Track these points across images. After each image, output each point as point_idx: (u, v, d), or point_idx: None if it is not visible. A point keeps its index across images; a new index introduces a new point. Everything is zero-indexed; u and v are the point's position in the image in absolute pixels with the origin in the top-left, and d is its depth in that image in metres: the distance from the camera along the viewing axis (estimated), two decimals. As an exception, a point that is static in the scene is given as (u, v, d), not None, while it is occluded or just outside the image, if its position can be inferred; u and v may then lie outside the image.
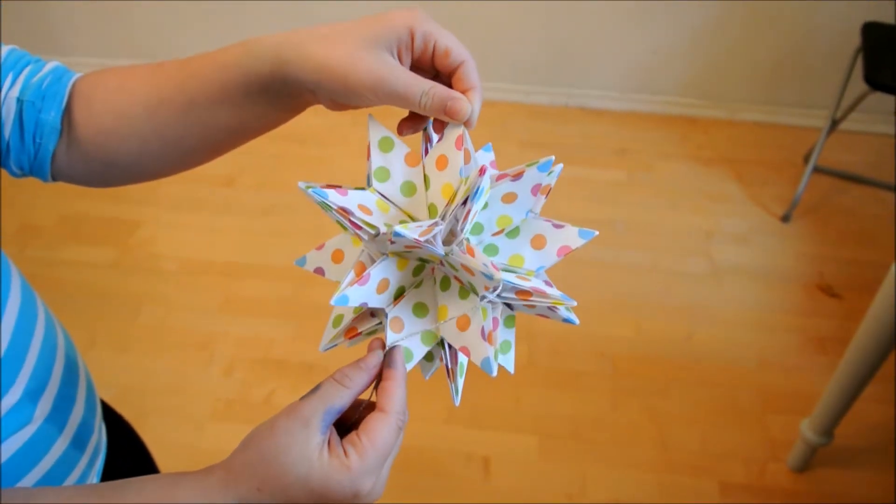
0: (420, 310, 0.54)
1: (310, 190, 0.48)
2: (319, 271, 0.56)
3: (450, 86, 0.53)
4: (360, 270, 0.50)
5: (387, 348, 0.53)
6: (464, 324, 0.52)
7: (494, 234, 0.54)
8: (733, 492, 1.71)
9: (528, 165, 0.53)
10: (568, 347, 2.00)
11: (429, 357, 0.57)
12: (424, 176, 0.53)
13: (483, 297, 0.50)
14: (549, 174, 0.54)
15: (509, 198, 0.53)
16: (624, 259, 2.27)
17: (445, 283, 0.54)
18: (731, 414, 1.87)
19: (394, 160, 0.53)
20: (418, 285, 0.54)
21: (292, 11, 2.73)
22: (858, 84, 2.18)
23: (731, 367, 1.97)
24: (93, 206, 2.42)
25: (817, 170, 2.48)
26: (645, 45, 2.72)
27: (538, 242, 0.55)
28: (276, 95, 0.53)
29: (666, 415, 1.86)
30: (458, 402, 0.54)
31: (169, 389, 1.89)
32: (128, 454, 0.87)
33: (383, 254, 0.51)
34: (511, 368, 0.56)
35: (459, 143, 0.51)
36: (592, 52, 2.77)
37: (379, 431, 0.49)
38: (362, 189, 0.52)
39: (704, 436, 1.82)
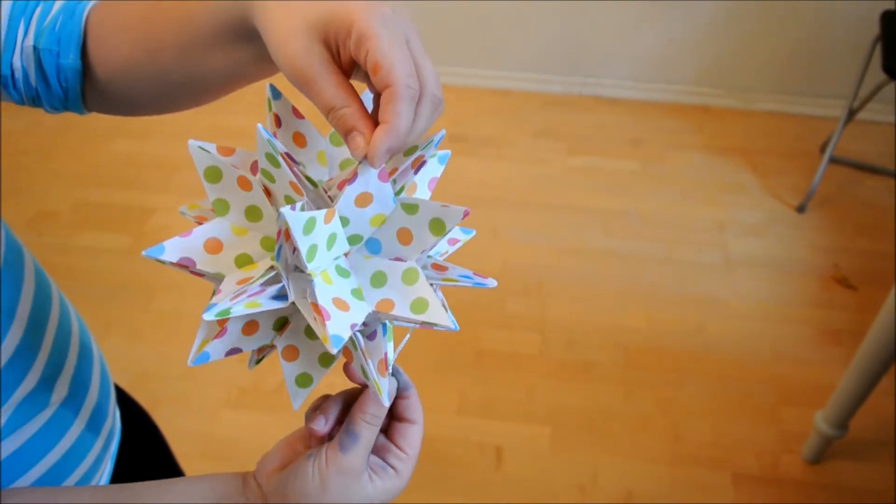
0: (311, 332, 0.50)
1: (144, 252, 0.44)
2: (187, 262, 0.46)
3: None
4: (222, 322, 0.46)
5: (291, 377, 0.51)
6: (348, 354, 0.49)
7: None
8: (746, 483, 1.71)
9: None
10: (580, 338, 2.00)
11: (304, 381, 0.52)
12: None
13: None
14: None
15: (364, 200, 0.45)
16: (637, 250, 2.26)
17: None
18: (745, 406, 1.86)
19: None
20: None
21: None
22: (876, 73, 2.16)
23: (744, 359, 1.96)
24: (107, 193, 2.43)
25: (833, 160, 2.46)
26: (660, 34, 2.70)
27: (404, 237, 0.46)
28: (256, 42, 0.48)
29: (679, 406, 1.85)
30: (387, 403, 0.49)
31: (183, 376, 1.90)
32: (142, 439, 0.87)
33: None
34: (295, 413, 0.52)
35: (384, 175, 0.46)
36: (607, 41, 2.75)
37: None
38: (219, 217, 0.47)
39: (717, 427, 1.81)
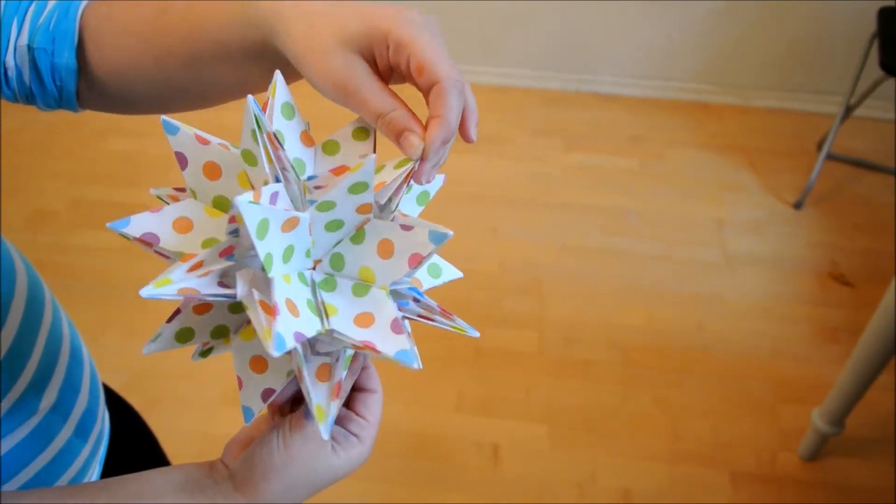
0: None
1: (108, 224, 0.43)
2: (150, 238, 0.44)
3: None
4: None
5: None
6: (366, 320, 0.45)
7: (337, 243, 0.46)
8: (744, 481, 1.71)
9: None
10: (579, 336, 2.00)
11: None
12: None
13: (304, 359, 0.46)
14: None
15: (326, 206, 0.44)
16: (635, 247, 2.26)
17: (329, 284, 0.47)
18: (743, 403, 1.86)
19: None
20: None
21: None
22: (873, 70, 2.16)
23: (742, 357, 1.96)
24: (104, 191, 2.42)
25: (830, 157, 2.46)
26: (658, 31, 2.70)
27: (385, 249, 0.45)
28: (271, 62, 0.50)
29: (677, 404, 1.85)
30: (326, 435, 0.47)
31: (179, 375, 1.90)
32: (133, 441, 0.87)
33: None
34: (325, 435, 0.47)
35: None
36: (606, 37, 2.75)
37: (376, 406, 0.53)
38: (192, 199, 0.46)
39: (715, 425, 1.81)
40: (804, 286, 2.16)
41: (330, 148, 0.49)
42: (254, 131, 0.42)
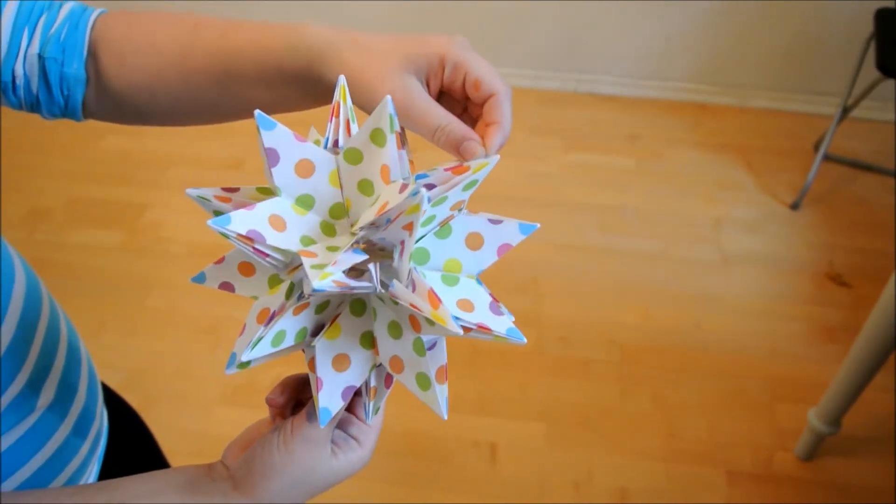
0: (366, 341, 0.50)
1: (209, 222, 0.41)
2: (227, 287, 0.48)
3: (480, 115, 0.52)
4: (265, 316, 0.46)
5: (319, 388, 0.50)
6: (398, 366, 0.48)
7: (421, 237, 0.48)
8: (740, 480, 1.71)
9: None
10: (576, 335, 2.00)
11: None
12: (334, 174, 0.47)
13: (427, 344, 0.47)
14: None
15: (439, 201, 0.46)
16: (632, 246, 2.26)
17: (363, 310, 0.49)
18: (739, 402, 1.86)
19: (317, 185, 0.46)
20: (353, 310, 0.49)
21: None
22: (870, 71, 2.16)
23: (739, 356, 1.96)
24: (101, 190, 2.42)
25: (827, 158, 2.46)
26: (656, 31, 2.70)
27: (474, 242, 0.48)
28: (307, 85, 0.54)
29: (674, 403, 1.86)
30: (370, 421, 0.52)
31: (177, 373, 1.90)
32: (131, 439, 0.87)
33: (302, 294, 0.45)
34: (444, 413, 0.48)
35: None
36: (603, 37, 2.75)
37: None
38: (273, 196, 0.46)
39: (712, 424, 1.81)
40: (801, 286, 2.16)
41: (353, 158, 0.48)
42: (378, 130, 0.43)
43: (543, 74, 2.86)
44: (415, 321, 0.45)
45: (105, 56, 0.57)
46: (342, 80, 0.48)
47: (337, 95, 0.47)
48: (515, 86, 2.84)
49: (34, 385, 0.62)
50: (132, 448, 0.87)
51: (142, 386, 1.86)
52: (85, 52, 0.57)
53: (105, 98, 0.59)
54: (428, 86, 0.52)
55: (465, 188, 0.45)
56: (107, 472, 0.77)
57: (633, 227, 2.33)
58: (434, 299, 0.43)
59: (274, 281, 0.49)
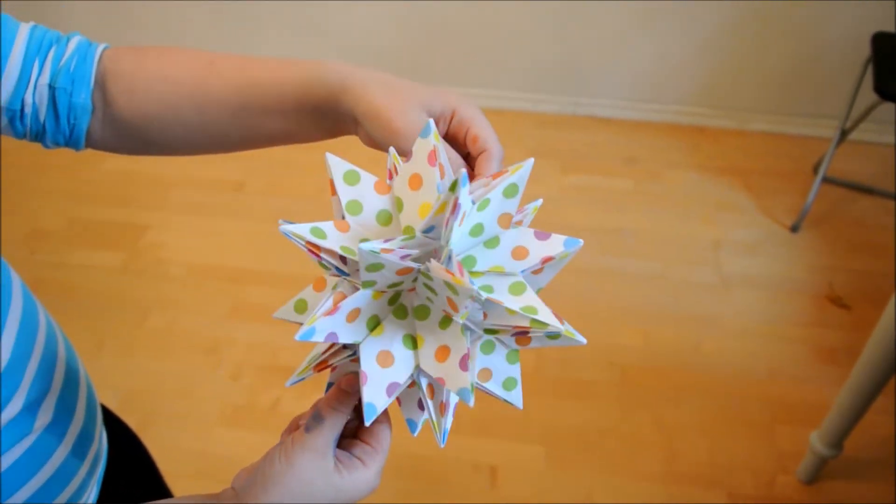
0: (409, 342, 0.52)
1: (297, 336, 0.46)
2: (332, 337, 0.50)
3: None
4: (339, 300, 0.48)
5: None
6: (443, 354, 0.50)
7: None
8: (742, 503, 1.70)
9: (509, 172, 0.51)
10: (576, 356, 1.99)
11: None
12: (396, 199, 0.51)
13: (467, 328, 0.48)
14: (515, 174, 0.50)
15: (483, 205, 0.49)
16: (632, 268, 2.26)
17: (422, 312, 0.51)
18: (740, 425, 1.86)
19: (364, 191, 0.51)
20: (396, 314, 0.52)
21: (296, 11, 2.74)
22: (868, 94, 2.17)
23: (739, 378, 1.96)
24: (102, 210, 2.43)
25: (826, 180, 2.47)
26: (655, 55, 2.72)
27: (519, 253, 0.51)
28: (323, 117, 0.58)
29: (674, 425, 1.85)
30: (443, 444, 0.53)
31: (176, 394, 1.89)
32: (130, 461, 0.86)
33: (356, 287, 0.48)
34: (519, 404, 0.55)
35: (433, 158, 0.49)
36: (601, 60, 2.76)
37: (383, 434, 0.55)
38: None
39: (713, 447, 1.81)
40: (801, 308, 2.16)
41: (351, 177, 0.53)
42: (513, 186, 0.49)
43: (542, 97, 2.87)
44: (450, 301, 0.47)
45: (114, 87, 0.59)
46: (430, 124, 0.50)
47: (432, 138, 0.50)
48: (514, 109, 2.86)
49: (32, 406, 0.62)
50: (131, 469, 0.86)
51: (141, 406, 1.86)
52: (92, 83, 0.59)
53: (110, 127, 0.61)
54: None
55: (506, 194, 0.49)
56: (106, 494, 0.77)
57: (633, 248, 2.33)
58: (459, 268, 0.45)
59: None
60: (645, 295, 2.18)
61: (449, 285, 0.45)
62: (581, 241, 0.51)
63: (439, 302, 0.49)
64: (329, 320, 0.47)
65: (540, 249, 0.50)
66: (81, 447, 0.70)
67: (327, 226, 0.48)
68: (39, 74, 0.58)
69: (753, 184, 2.59)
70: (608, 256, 2.28)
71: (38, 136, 0.60)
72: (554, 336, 0.49)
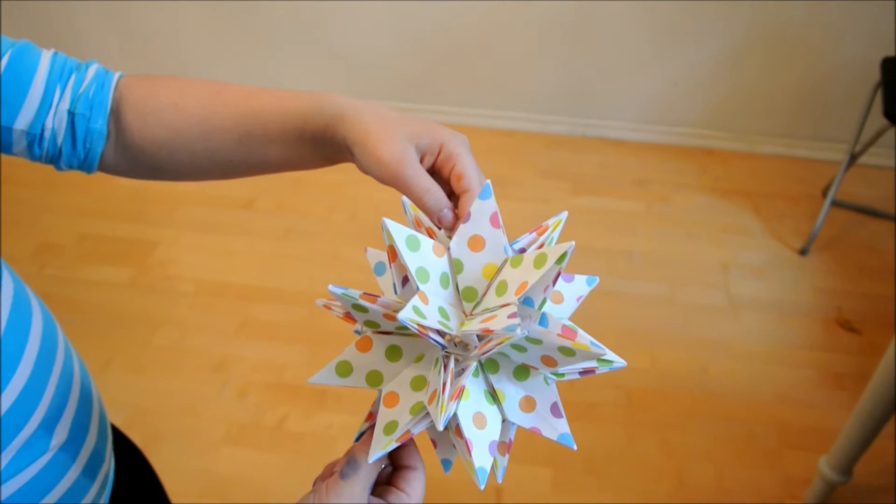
0: (418, 383, 0.53)
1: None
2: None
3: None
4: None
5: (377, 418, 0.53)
6: (528, 405, 0.53)
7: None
8: (749, 529, 1.69)
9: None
10: (582, 379, 1.98)
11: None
12: (455, 262, 0.53)
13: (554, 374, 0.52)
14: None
15: (476, 243, 0.53)
16: (640, 290, 2.26)
17: (493, 366, 0.53)
18: (748, 449, 1.84)
19: (426, 256, 0.51)
20: (417, 360, 0.54)
21: (299, 15, 2.76)
22: (878, 118, 2.17)
23: (747, 402, 1.95)
24: (112, 227, 2.44)
25: (836, 204, 2.46)
26: (664, 77, 2.73)
27: (557, 298, 0.55)
28: (322, 145, 0.59)
29: (682, 449, 1.84)
30: (500, 479, 0.55)
31: (183, 411, 1.89)
32: (135, 479, 0.86)
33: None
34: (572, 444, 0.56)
35: (496, 221, 0.53)
36: (611, 82, 2.77)
37: (416, 482, 0.56)
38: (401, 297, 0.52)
39: (720, 471, 1.79)
40: (810, 332, 2.15)
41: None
42: (542, 255, 0.52)
43: (552, 119, 2.88)
44: (549, 359, 0.50)
45: (128, 114, 0.62)
46: (389, 224, 0.51)
47: (410, 215, 0.55)
48: (524, 130, 2.87)
49: (48, 425, 0.63)
50: (137, 487, 0.86)
51: (147, 423, 1.86)
52: (108, 110, 0.61)
53: (122, 153, 0.63)
54: (422, 161, 0.57)
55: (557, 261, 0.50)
56: (113, 515, 0.77)
57: (641, 270, 2.33)
58: (570, 332, 0.48)
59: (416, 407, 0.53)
60: (652, 317, 2.18)
61: (565, 349, 0.48)
62: (597, 278, 0.56)
63: (520, 357, 0.51)
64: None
65: (570, 291, 0.56)
66: (93, 467, 0.70)
67: (418, 303, 0.48)
68: (60, 100, 0.60)
69: (762, 207, 2.58)
70: (616, 278, 2.28)
71: (53, 158, 0.62)
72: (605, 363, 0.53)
